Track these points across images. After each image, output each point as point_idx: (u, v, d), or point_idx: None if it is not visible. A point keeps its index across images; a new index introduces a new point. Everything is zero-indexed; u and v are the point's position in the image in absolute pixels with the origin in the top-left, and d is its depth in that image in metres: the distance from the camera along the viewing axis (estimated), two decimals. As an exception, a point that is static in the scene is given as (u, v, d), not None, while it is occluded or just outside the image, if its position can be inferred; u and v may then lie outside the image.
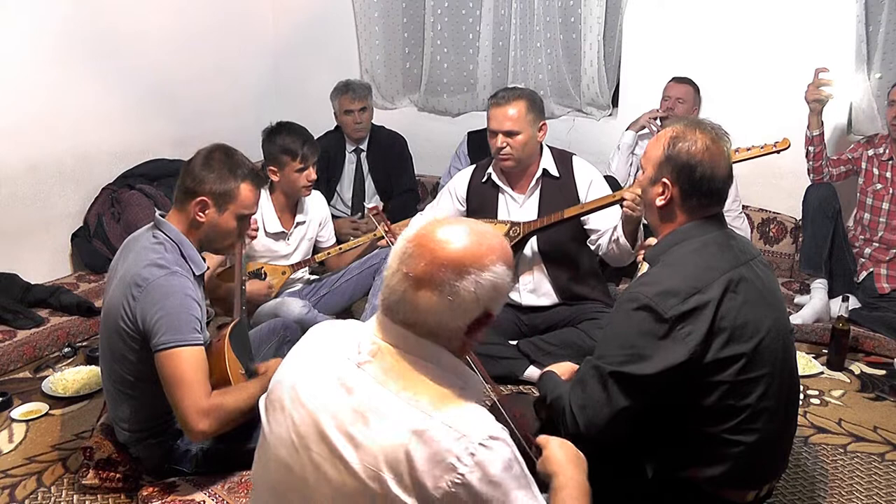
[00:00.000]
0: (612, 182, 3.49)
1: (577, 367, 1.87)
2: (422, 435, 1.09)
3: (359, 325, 1.28)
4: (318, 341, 1.29)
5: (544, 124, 2.83)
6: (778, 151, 2.37)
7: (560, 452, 1.37)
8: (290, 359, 1.29)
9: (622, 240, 2.65)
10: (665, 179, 1.66)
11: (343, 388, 1.17)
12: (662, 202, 1.68)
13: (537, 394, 1.85)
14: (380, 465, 1.10)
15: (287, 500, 1.22)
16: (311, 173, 2.88)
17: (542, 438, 1.41)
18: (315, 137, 3.03)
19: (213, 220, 1.96)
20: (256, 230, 2.60)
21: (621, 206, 2.55)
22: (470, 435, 1.10)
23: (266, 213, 2.91)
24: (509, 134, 2.74)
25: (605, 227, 2.74)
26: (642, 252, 1.99)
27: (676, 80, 3.75)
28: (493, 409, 1.41)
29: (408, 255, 1.17)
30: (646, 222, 2.06)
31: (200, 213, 1.94)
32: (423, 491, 1.08)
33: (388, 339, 1.19)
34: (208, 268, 2.06)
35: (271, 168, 2.88)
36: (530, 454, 1.40)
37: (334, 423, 1.15)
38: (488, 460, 1.09)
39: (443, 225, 1.20)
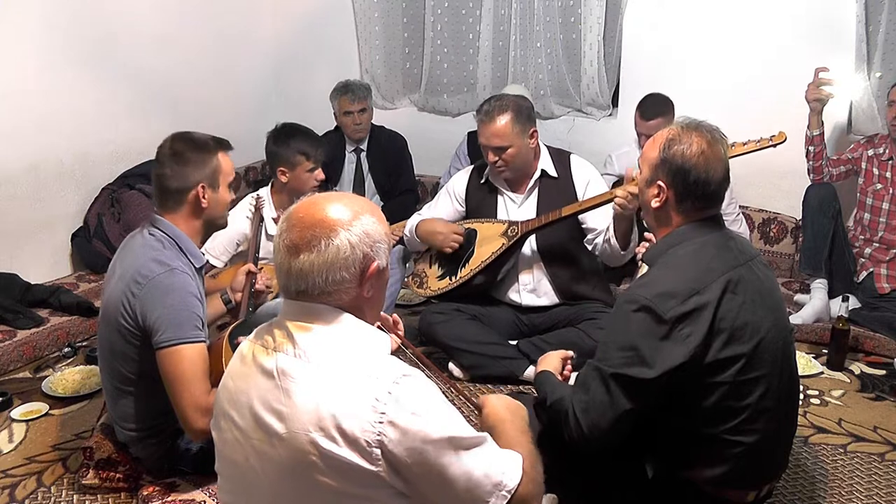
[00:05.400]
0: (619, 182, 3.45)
1: (565, 354, 1.89)
2: (339, 389, 1.15)
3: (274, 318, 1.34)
4: (244, 343, 1.34)
5: (534, 131, 2.80)
6: (774, 145, 2.35)
7: (497, 405, 1.45)
8: (226, 371, 1.35)
9: (613, 241, 2.65)
10: (660, 182, 1.66)
11: (266, 375, 1.22)
12: (658, 204, 1.68)
13: (535, 398, 1.85)
14: (308, 429, 1.14)
15: (244, 495, 1.27)
16: (320, 173, 2.92)
17: (481, 398, 1.49)
18: (324, 143, 3.06)
19: (214, 199, 2.01)
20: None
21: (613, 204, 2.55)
22: (383, 377, 1.16)
23: (267, 214, 2.91)
24: (498, 150, 2.75)
25: (601, 226, 2.74)
26: (642, 250, 1.99)
27: (642, 114, 3.50)
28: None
29: (283, 231, 1.24)
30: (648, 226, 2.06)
31: (203, 200, 1.98)
32: (356, 442, 1.13)
33: (293, 317, 1.25)
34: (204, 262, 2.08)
35: (281, 169, 2.90)
36: (471, 416, 1.47)
37: (263, 406, 1.20)
38: (405, 394, 1.15)
39: (309, 199, 1.29)
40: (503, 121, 2.71)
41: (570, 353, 1.94)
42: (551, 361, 1.87)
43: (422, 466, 1.15)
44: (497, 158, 2.76)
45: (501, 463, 1.23)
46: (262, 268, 2.49)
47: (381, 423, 1.12)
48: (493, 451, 1.24)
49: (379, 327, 1.59)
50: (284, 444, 1.16)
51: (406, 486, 1.16)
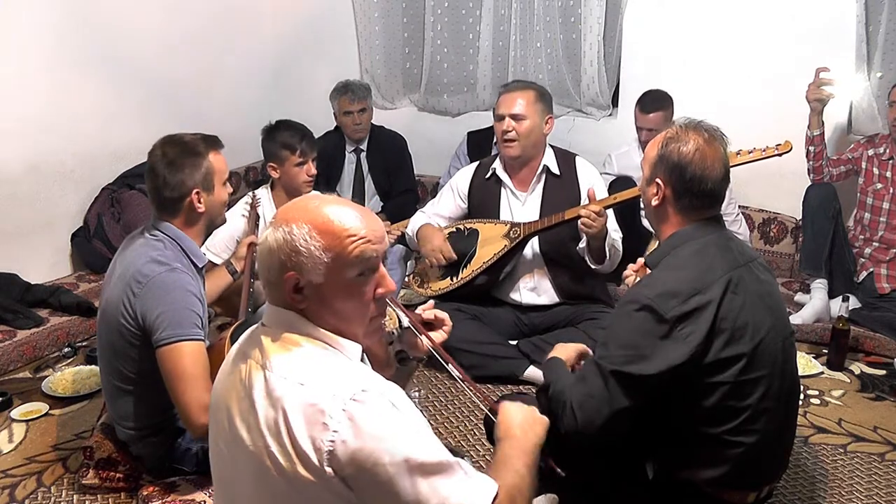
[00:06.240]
0: (627, 182, 3.41)
1: (584, 350, 1.89)
2: (296, 404, 1.13)
3: None
4: (234, 347, 1.33)
5: (551, 118, 2.86)
6: (780, 154, 2.38)
7: (512, 419, 1.40)
8: (218, 374, 1.34)
9: (586, 255, 2.71)
10: (658, 179, 1.68)
11: (241, 383, 1.22)
12: (657, 202, 1.69)
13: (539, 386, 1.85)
14: (267, 443, 1.13)
15: (233, 497, 1.28)
16: (311, 168, 2.90)
17: (501, 405, 1.44)
18: (315, 138, 3.04)
19: (211, 202, 2.00)
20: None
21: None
22: (340, 392, 1.12)
23: (268, 212, 2.91)
24: (516, 118, 2.77)
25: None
26: (631, 273, 2.00)
27: (642, 108, 3.55)
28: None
29: None
30: (651, 228, 2.07)
31: (199, 205, 1.97)
32: (307, 458, 1.10)
33: (267, 322, 1.26)
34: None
35: (271, 165, 2.90)
36: (490, 416, 1.45)
37: (237, 414, 1.20)
38: (360, 413, 1.11)
39: (303, 196, 1.30)
40: (528, 94, 2.81)
41: (589, 350, 1.91)
42: (566, 350, 1.86)
43: (374, 487, 1.11)
44: (511, 129, 2.77)
45: (465, 493, 1.15)
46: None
47: (332, 441, 1.09)
48: (458, 479, 1.15)
49: (411, 324, 1.56)
50: (250, 454, 1.16)
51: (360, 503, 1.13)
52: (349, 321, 1.24)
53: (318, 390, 1.13)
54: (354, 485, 1.11)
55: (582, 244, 2.77)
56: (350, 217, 1.22)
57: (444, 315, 1.62)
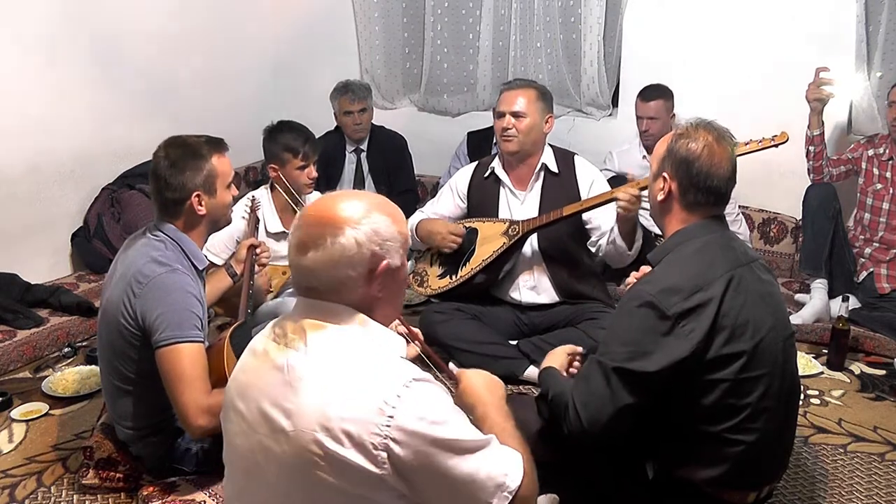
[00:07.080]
0: (623, 181, 3.42)
1: (573, 350, 1.91)
2: (347, 391, 1.15)
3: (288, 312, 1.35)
4: (257, 338, 1.34)
5: (551, 117, 2.87)
6: (776, 145, 2.37)
7: (475, 382, 1.46)
8: (238, 364, 1.35)
9: (618, 241, 2.68)
10: (665, 173, 1.69)
11: (275, 369, 1.22)
12: (662, 196, 1.71)
13: (537, 393, 1.85)
14: (313, 428, 1.14)
15: (247, 488, 1.28)
16: (312, 171, 2.89)
17: (458, 371, 1.50)
18: (317, 139, 3.03)
19: (212, 204, 2.00)
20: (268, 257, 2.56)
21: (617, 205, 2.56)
22: (392, 381, 1.16)
23: (267, 213, 2.91)
24: (516, 115, 2.78)
25: (606, 227, 2.75)
26: (632, 281, 2.00)
27: (643, 98, 3.63)
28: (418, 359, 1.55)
29: (293, 229, 1.27)
30: (657, 232, 2.06)
31: (199, 208, 1.97)
32: (362, 445, 1.13)
33: (306, 314, 1.26)
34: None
35: (272, 166, 2.89)
36: (451, 389, 1.50)
37: (271, 402, 1.20)
38: (414, 399, 1.15)
39: (323, 197, 1.30)
40: (529, 92, 2.82)
41: (579, 348, 1.94)
42: (557, 358, 1.88)
43: (427, 471, 1.15)
44: (511, 125, 2.78)
45: (504, 464, 1.23)
46: (260, 249, 2.49)
47: (388, 426, 1.12)
48: (496, 452, 1.23)
49: (402, 333, 1.59)
50: (289, 440, 1.17)
51: (409, 488, 1.16)
52: (397, 302, 1.33)
53: (369, 378, 1.16)
54: (407, 470, 1.14)
55: (611, 236, 2.69)
56: (389, 203, 1.30)
57: (415, 331, 1.70)
